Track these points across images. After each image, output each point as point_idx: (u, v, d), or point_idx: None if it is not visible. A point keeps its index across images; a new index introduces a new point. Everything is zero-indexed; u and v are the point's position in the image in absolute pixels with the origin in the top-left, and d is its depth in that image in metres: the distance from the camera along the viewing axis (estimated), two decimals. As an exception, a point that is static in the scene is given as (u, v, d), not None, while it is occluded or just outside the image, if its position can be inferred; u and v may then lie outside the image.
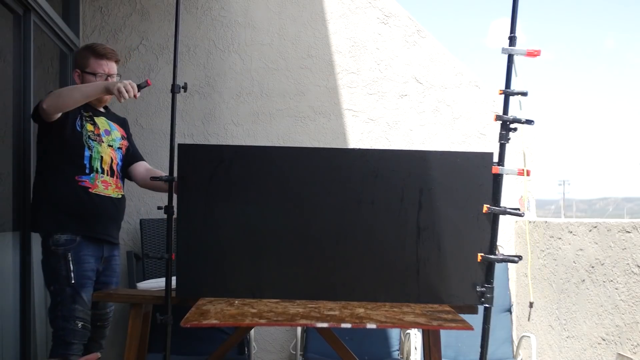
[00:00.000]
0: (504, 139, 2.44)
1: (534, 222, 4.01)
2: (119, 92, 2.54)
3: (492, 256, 2.45)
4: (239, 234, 2.49)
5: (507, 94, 2.44)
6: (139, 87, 2.61)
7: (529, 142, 4.33)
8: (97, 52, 2.82)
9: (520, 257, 2.49)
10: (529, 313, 3.87)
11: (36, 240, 3.06)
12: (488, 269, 2.46)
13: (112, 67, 2.86)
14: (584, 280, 3.37)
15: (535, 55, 2.41)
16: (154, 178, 2.63)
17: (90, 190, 2.74)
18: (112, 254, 2.88)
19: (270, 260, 2.49)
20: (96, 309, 2.79)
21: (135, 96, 2.59)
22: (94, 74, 2.81)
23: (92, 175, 2.76)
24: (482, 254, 2.44)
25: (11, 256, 3.07)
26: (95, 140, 2.79)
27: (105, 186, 2.80)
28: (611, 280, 3.10)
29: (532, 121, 2.43)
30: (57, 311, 2.65)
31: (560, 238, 3.64)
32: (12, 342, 3.05)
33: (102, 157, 2.80)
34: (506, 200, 4.15)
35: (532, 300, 3.71)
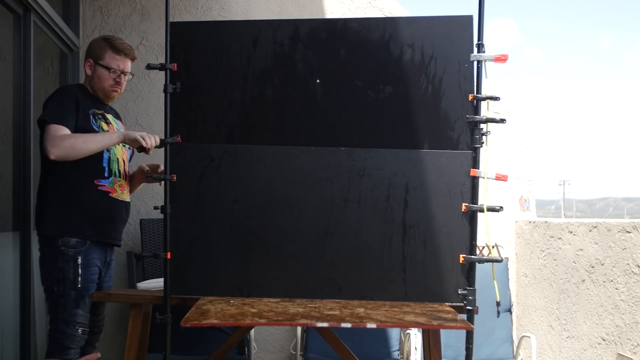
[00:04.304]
0: (477, 143, 2.47)
1: (534, 222, 4.01)
2: (143, 139, 2.54)
3: (474, 256, 2.47)
4: (227, 232, 2.52)
5: (478, 99, 2.47)
6: (163, 143, 2.51)
7: (530, 142, 4.33)
8: (115, 46, 2.71)
9: (501, 259, 2.51)
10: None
11: (36, 240, 3.06)
12: (470, 270, 2.48)
13: (127, 64, 2.76)
14: (584, 280, 3.37)
15: (503, 61, 2.46)
16: (149, 178, 2.67)
17: (110, 195, 2.68)
18: (112, 258, 2.84)
19: (258, 259, 2.52)
20: (94, 315, 2.73)
21: (152, 147, 2.57)
22: (108, 69, 2.70)
23: (111, 179, 2.68)
24: (464, 255, 2.47)
25: (11, 256, 3.07)
26: None
27: (122, 190, 2.74)
28: (611, 280, 3.10)
29: (504, 120, 2.48)
30: (58, 313, 2.59)
31: (560, 238, 3.64)
32: (12, 342, 3.05)
33: (118, 159, 2.73)
34: (506, 201, 4.18)
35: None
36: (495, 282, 2.50)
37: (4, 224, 3.11)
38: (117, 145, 2.73)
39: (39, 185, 2.73)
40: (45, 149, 2.50)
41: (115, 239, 2.77)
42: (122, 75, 2.74)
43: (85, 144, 2.53)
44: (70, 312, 2.58)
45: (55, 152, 2.48)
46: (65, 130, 2.54)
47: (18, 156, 3.11)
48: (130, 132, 2.61)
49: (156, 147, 2.57)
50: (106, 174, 2.67)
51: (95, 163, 2.64)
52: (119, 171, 2.74)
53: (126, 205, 2.80)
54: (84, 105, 2.64)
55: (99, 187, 2.65)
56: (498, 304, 2.31)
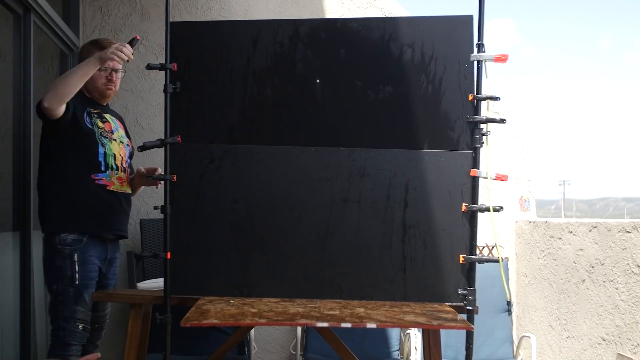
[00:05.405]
0: (477, 143, 2.47)
1: (534, 222, 4.01)
2: (116, 55, 2.55)
3: (474, 256, 2.47)
4: (227, 232, 2.52)
5: (478, 99, 2.47)
6: (131, 45, 2.60)
7: (530, 142, 4.33)
8: (102, 45, 2.76)
9: (498, 260, 2.51)
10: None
11: (36, 240, 3.06)
12: (470, 270, 2.48)
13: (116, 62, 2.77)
14: (584, 280, 3.37)
15: (503, 61, 2.46)
16: (149, 178, 2.69)
17: (108, 188, 2.72)
18: (115, 256, 2.86)
19: (258, 259, 2.52)
20: (95, 311, 2.76)
21: (130, 57, 2.58)
22: (98, 68, 2.73)
23: (107, 172, 2.73)
24: (464, 255, 2.47)
25: (11, 256, 3.07)
26: (107, 138, 2.76)
27: (120, 183, 2.78)
28: (611, 280, 3.10)
29: (504, 120, 2.48)
30: (57, 311, 2.63)
31: (560, 238, 3.64)
32: (12, 342, 3.05)
33: (114, 154, 2.77)
34: (506, 201, 4.18)
35: None
36: (503, 280, 2.49)
37: (4, 224, 3.11)
38: (114, 142, 2.78)
39: (37, 182, 2.77)
40: (40, 106, 2.57)
41: (119, 229, 2.80)
42: (113, 72, 2.79)
43: (65, 78, 2.58)
44: (70, 308, 2.61)
45: (45, 98, 2.53)
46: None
47: (18, 156, 3.11)
48: (103, 54, 2.60)
49: (157, 147, 2.56)
50: (103, 168, 2.72)
51: (91, 158, 2.69)
52: (116, 165, 2.77)
53: (126, 196, 2.83)
54: (78, 104, 2.69)
55: (96, 181, 2.70)
56: (509, 303, 2.30)
